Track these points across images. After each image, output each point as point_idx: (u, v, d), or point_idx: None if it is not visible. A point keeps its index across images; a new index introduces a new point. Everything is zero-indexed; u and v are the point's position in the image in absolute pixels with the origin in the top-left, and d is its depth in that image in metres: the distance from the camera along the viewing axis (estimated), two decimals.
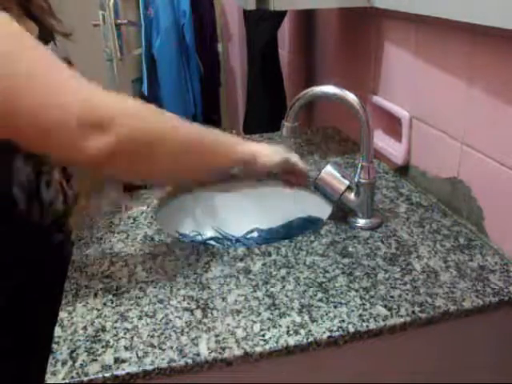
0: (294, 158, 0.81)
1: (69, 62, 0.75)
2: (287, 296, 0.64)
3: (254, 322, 0.60)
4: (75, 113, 0.52)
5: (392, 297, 0.64)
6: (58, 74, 0.54)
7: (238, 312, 0.62)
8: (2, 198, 0.66)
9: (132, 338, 0.58)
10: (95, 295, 0.66)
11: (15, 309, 0.68)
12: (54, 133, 0.53)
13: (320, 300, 0.63)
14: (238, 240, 0.93)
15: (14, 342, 0.67)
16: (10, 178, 0.66)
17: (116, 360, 0.55)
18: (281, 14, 1.49)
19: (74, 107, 0.52)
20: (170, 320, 0.61)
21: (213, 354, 0.55)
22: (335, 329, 0.58)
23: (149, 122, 0.59)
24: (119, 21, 2.19)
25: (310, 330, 0.58)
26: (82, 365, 0.54)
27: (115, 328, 0.60)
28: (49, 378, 0.53)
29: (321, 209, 0.91)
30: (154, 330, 0.59)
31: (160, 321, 0.61)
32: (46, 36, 0.73)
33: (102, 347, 0.57)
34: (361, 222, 0.81)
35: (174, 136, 0.62)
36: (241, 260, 0.73)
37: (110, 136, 0.53)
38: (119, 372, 0.53)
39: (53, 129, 0.52)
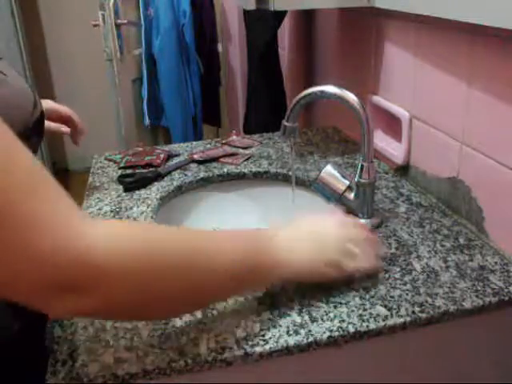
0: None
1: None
2: (287, 296, 0.64)
3: (254, 321, 0.60)
4: (43, 271, 0.39)
5: (392, 297, 0.64)
6: (26, 205, 0.39)
7: (238, 312, 0.62)
8: None
9: (132, 338, 0.58)
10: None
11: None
12: (17, 290, 0.41)
13: (320, 300, 0.63)
14: None
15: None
16: None
17: (116, 360, 0.55)
18: (281, 14, 1.49)
19: (42, 263, 0.39)
20: (170, 320, 0.61)
21: (213, 354, 0.55)
22: (335, 329, 0.58)
23: (143, 271, 0.45)
24: (119, 21, 2.19)
25: (309, 330, 0.58)
26: (81, 365, 0.54)
27: (115, 328, 0.60)
28: (49, 377, 0.53)
29: (321, 209, 0.91)
30: (154, 330, 0.59)
31: (160, 321, 0.61)
32: None
33: (102, 347, 0.57)
34: (361, 221, 0.81)
35: (178, 273, 0.48)
36: None
37: (87, 298, 0.42)
38: (119, 372, 0.53)
39: (16, 286, 0.41)
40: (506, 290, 0.64)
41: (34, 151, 0.57)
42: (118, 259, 0.43)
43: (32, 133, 0.57)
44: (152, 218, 0.86)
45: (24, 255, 0.39)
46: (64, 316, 0.47)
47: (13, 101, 0.51)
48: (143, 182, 0.99)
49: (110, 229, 0.45)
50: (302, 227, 0.63)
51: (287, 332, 0.58)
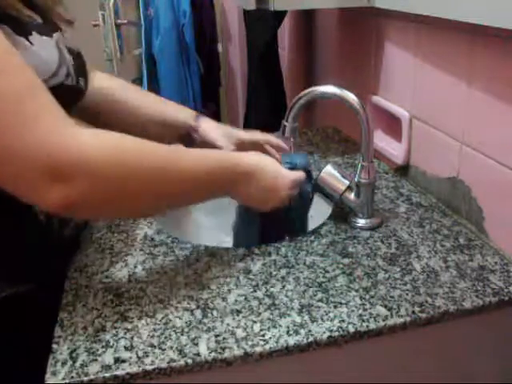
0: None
1: (78, 54, 0.73)
2: (287, 296, 0.64)
3: (254, 321, 0.60)
4: (38, 160, 0.48)
5: (392, 297, 0.64)
6: (24, 110, 0.49)
7: (238, 312, 0.62)
8: (19, 210, 0.63)
9: (132, 337, 0.58)
10: (95, 295, 0.66)
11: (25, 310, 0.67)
12: (11, 180, 0.50)
13: (320, 300, 0.63)
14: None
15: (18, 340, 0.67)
16: None
17: (116, 360, 0.55)
18: (281, 14, 1.49)
19: (36, 155, 0.48)
20: (170, 320, 0.61)
21: (213, 354, 0.55)
22: (335, 329, 0.58)
23: (119, 164, 0.54)
24: (119, 21, 2.19)
25: (309, 330, 0.58)
26: (82, 365, 0.54)
27: (115, 328, 0.60)
28: (49, 377, 0.53)
29: (321, 209, 0.91)
30: (154, 330, 0.59)
31: (160, 321, 0.61)
32: (52, 25, 0.70)
33: (102, 347, 0.57)
34: (361, 221, 0.81)
35: (150, 173, 0.57)
36: (241, 260, 0.73)
37: (70, 188, 0.50)
38: (119, 372, 0.53)
39: (10, 176, 0.50)
40: (505, 290, 0.64)
41: None
42: (102, 156, 0.52)
43: None
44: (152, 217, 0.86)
45: (22, 148, 0.48)
46: (53, 206, 0.51)
47: (28, 63, 0.55)
48: None
49: (96, 132, 0.53)
50: (265, 177, 0.72)
51: (287, 332, 0.58)
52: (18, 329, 0.66)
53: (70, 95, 0.68)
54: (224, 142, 0.87)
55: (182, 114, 0.90)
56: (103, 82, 0.87)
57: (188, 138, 0.88)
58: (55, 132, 0.50)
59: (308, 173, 0.82)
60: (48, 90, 0.57)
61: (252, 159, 0.71)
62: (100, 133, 0.55)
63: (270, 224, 0.82)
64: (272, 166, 0.73)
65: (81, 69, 0.73)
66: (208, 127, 0.88)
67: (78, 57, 0.73)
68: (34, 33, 0.61)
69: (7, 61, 0.51)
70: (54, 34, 0.67)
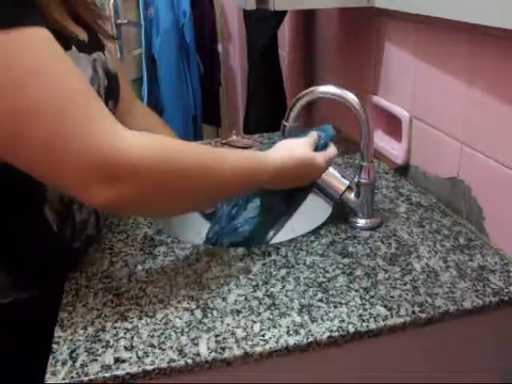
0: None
1: (115, 77, 0.74)
2: (287, 296, 0.64)
3: (254, 321, 0.60)
4: (91, 161, 0.50)
5: (392, 297, 0.64)
6: (80, 111, 0.52)
7: (238, 312, 0.62)
8: (32, 217, 0.64)
9: (132, 337, 0.58)
10: (95, 295, 0.66)
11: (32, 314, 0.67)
12: (63, 177, 0.52)
13: (320, 300, 0.63)
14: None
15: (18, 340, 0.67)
16: (41, 198, 0.64)
17: (116, 360, 0.55)
18: (281, 14, 1.49)
19: (90, 156, 0.50)
20: (170, 320, 0.61)
21: (213, 354, 0.55)
22: (335, 329, 0.58)
23: (169, 171, 0.56)
24: (119, 21, 2.19)
25: (309, 330, 0.58)
26: (82, 365, 0.54)
27: (115, 328, 0.60)
28: (49, 378, 0.53)
29: (321, 209, 0.91)
30: (154, 329, 0.59)
31: (160, 321, 0.61)
32: (95, 44, 0.71)
33: (102, 347, 0.57)
34: (361, 221, 0.81)
35: (198, 175, 0.60)
36: (241, 260, 0.73)
37: (118, 188, 0.52)
38: (119, 372, 0.53)
39: (63, 173, 0.52)
40: (505, 290, 0.64)
41: None
42: (150, 158, 0.54)
43: None
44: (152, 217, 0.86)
45: (76, 148, 0.50)
46: (101, 204, 0.53)
47: None
48: None
49: (144, 135, 0.56)
50: (294, 170, 0.73)
51: (287, 332, 0.58)
52: (21, 332, 0.66)
53: None
54: None
55: None
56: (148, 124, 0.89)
57: None
58: (108, 134, 0.52)
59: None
60: None
61: (284, 155, 0.71)
62: (147, 135, 0.56)
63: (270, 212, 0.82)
64: (305, 155, 0.73)
65: (113, 91, 0.74)
66: None
67: (113, 79, 0.74)
68: (73, 48, 0.62)
69: (67, 64, 0.53)
70: (94, 54, 0.68)
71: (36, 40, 0.50)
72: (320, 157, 0.75)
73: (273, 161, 0.69)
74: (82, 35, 0.68)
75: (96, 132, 0.51)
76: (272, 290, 0.66)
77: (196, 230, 0.95)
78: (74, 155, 0.50)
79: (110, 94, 0.72)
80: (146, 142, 0.55)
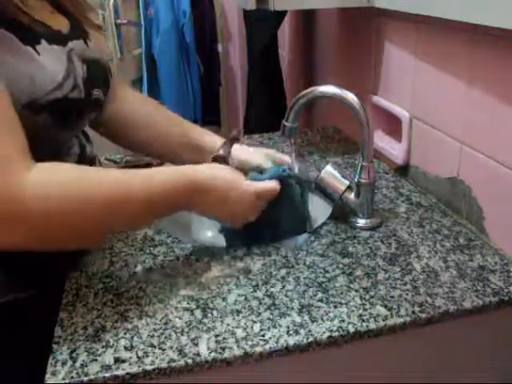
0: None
1: (100, 64, 0.73)
2: (287, 296, 0.64)
3: (254, 321, 0.60)
4: None
5: (392, 297, 0.64)
6: None
7: (238, 312, 0.62)
8: None
9: (132, 337, 0.58)
10: (95, 295, 0.66)
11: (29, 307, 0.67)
12: None
13: (320, 300, 0.63)
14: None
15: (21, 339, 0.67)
16: None
17: (116, 360, 0.55)
18: (281, 14, 1.49)
19: None
20: (170, 320, 0.61)
21: (213, 354, 0.55)
22: (335, 329, 0.58)
23: (60, 212, 0.54)
24: (119, 21, 2.19)
25: (309, 330, 0.58)
26: (82, 365, 0.54)
27: (115, 328, 0.60)
28: (49, 378, 0.53)
29: (321, 209, 0.91)
30: (154, 330, 0.59)
31: (160, 321, 0.61)
32: (76, 33, 0.70)
33: (102, 347, 0.57)
34: (361, 221, 0.81)
35: (95, 209, 0.57)
36: (241, 260, 0.73)
37: (9, 235, 0.52)
38: (119, 372, 0.53)
39: None
40: (505, 290, 0.64)
41: (47, 129, 0.64)
42: (41, 204, 0.52)
43: (43, 110, 0.61)
44: None
45: None
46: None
47: (28, 75, 0.56)
48: None
49: (40, 176, 0.54)
50: (227, 193, 0.69)
51: (287, 332, 0.58)
52: (19, 331, 0.66)
53: (76, 108, 0.68)
54: (256, 159, 0.86)
55: (207, 147, 0.88)
56: (136, 106, 0.88)
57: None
58: (3, 176, 0.51)
59: (289, 178, 0.78)
60: (51, 103, 0.57)
61: (207, 173, 0.68)
62: (49, 174, 0.55)
63: (261, 224, 0.80)
64: (230, 178, 0.70)
65: (97, 80, 0.72)
66: (237, 152, 0.87)
67: (97, 67, 0.72)
68: (42, 41, 0.61)
69: None
70: (71, 43, 0.67)
71: None
72: (251, 185, 0.71)
73: (193, 175, 0.66)
74: (61, 24, 0.67)
75: None
76: (272, 289, 0.66)
77: (196, 229, 0.95)
78: None
79: (93, 83, 0.70)
80: (41, 182, 0.54)
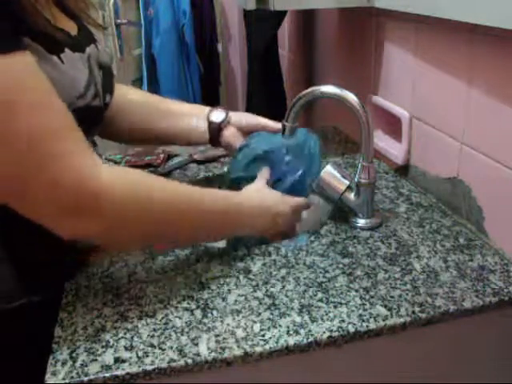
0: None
1: (109, 68, 0.73)
2: (287, 296, 0.64)
3: (254, 322, 0.60)
4: (61, 196, 0.51)
5: (392, 297, 0.64)
6: (56, 145, 0.52)
7: (238, 312, 0.62)
8: None
9: (132, 337, 0.58)
10: (95, 295, 0.66)
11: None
12: (32, 207, 0.53)
13: (320, 300, 0.63)
14: None
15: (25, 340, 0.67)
16: None
17: (116, 360, 0.55)
18: (281, 14, 1.49)
19: (59, 185, 0.51)
20: (170, 320, 0.61)
21: (213, 354, 0.55)
22: (335, 329, 0.58)
23: (133, 206, 0.57)
24: (119, 21, 2.19)
25: (309, 330, 0.58)
26: (82, 365, 0.54)
27: (115, 328, 0.60)
28: (49, 378, 0.53)
29: (321, 209, 0.91)
30: (154, 329, 0.59)
31: (160, 321, 0.61)
32: (87, 37, 0.70)
33: (102, 347, 0.57)
34: (361, 221, 0.81)
35: (167, 217, 0.61)
36: (241, 260, 0.73)
37: (86, 224, 0.54)
38: (119, 372, 0.53)
39: (32, 203, 0.52)
40: (505, 290, 0.64)
41: None
42: (119, 198, 0.55)
43: None
44: None
45: (47, 181, 0.51)
46: (68, 236, 0.55)
47: (55, 84, 0.55)
48: None
49: (115, 173, 0.57)
50: (265, 213, 0.74)
51: (287, 332, 0.58)
52: (30, 334, 0.66)
53: (96, 116, 0.68)
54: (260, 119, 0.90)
55: (199, 129, 0.90)
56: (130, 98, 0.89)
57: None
58: (79, 169, 0.52)
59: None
60: (73, 112, 0.57)
61: (254, 200, 0.73)
62: (123, 174, 0.58)
63: None
64: (272, 202, 0.75)
65: (109, 85, 0.73)
66: (228, 136, 0.89)
67: (108, 71, 0.73)
68: (66, 50, 0.61)
69: (47, 98, 0.52)
70: (88, 48, 0.67)
71: (20, 66, 0.50)
72: (287, 202, 0.76)
73: (248, 207, 0.71)
74: (73, 29, 0.67)
75: (69, 165, 0.52)
76: (272, 289, 0.66)
77: None
78: (42, 186, 0.51)
79: (107, 88, 0.71)
80: (120, 182, 0.56)
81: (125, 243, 0.66)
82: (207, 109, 0.90)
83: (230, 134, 0.89)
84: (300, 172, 0.82)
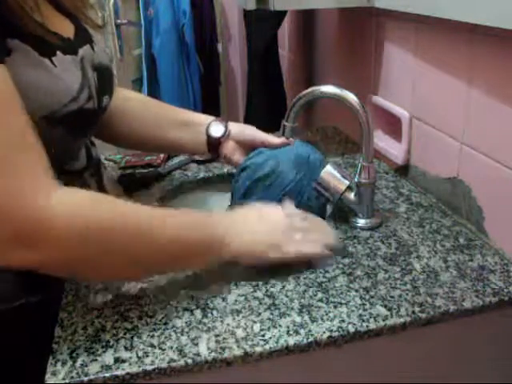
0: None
1: (107, 68, 0.72)
2: (287, 296, 0.64)
3: (254, 322, 0.60)
4: (6, 223, 0.48)
5: (392, 297, 0.64)
6: (4, 160, 0.48)
7: (238, 312, 0.62)
8: None
9: (132, 337, 0.58)
10: (95, 295, 0.66)
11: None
12: None
13: (320, 300, 0.63)
14: None
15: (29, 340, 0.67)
16: None
17: (116, 360, 0.55)
18: (281, 14, 1.49)
19: (6, 217, 0.48)
20: (170, 320, 0.61)
21: (213, 354, 0.55)
22: (335, 329, 0.58)
23: (83, 239, 0.52)
24: (119, 21, 2.19)
25: (309, 330, 0.58)
26: (82, 365, 0.54)
27: (115, 328, 0.60)
28: (49, 378, 0.53)
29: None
30: (154, 330, 0.59)
31: (160, 321, 0.61)
32: (82, 37, 0.68)
33: (102, 347, 0.57)
34: (361, 221, 0.81)
35: (123, 242, 0.55)
36: None
37: (32, 254, 0.50)
38: (119, 372, 0.53)
39: None
40: (505, 290, 0.64)
41: (62, 140, 0.63)
42: (66, 228, 0.51)
43: (60, 122, 0.60)
44: None
45: (9, 203, 0.48)
46: (18, 267, 0.52)
47: (47, 87, 0.54)
48: (143, 182, 0.99)
49: (67, 200, 0.52)
50: (249, 212, 0.67)
51: (287, 332, 0.58)
52: (28, 334, 0.66)
53: (90, 119, 0.67)
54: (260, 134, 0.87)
55: (199, 142, 0.88)
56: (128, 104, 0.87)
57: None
58: (26, 192, 0.49)
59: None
60: (66, 115, 0.56)
61: (225, 221, 0.65)
62: (76, 198, 0.53)
63: None
64: (255, 210, 0.68)
65: (106, 86, 0.71)
66: (227, 150, 0.87)
67: (106, 72, 0.71)
68: (58, 53, 0.60)
69: (6, 107, 0.50)
70: (81, 50, 0.66)
71: None
72: (273, 212, 0.68)
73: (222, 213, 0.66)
74: (67, 30, 0.66)
75: (15, 188, 0.49)
76: (272, 289, 0.66)
77: None
78: None
79: (104, 90, 0.70)
80: (68, 206, 0.52)
81: (96, 275, 0.60)
82: (207, 120, 0.88)
83: (229, 148, 0.87)
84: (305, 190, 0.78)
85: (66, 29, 0.66)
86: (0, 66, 0.50)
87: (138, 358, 0.55)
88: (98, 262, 0.55)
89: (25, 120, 0.51)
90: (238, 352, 0.55)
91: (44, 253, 0.50)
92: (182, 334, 0.58)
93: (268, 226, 0.66)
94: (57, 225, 0.50)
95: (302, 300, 0.64)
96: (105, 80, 0.71)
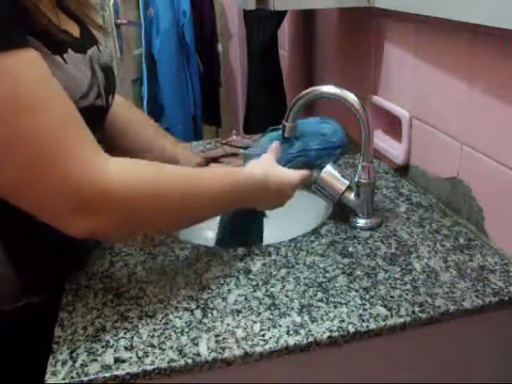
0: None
1: (110, 69, 0.73)
2: (287, 296, 0.64)
3: (254, 322, 0.60)
4: (67, 192, 0.51)
5: (392, 297, 0.64)
6: (61, 141, 0.51)
7: (238, 312, 0.62)
8: None
9: (132, 337, 0.58)
10: (95, 295, 0.66)
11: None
12: (40, 207, 0.52)
13: (320, 300, 0.63)
14: None
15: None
16: None
17: (116, 360, 0.55)
18: (281, 14, 1.49)
19: (66, 187, 0.50)
20: (170, 320, 0.61)
21: (213, 354, 0.55)
22: (335, 329, 0.58)
23: (147, 203, 0.56)
24: (119, 21, 2.19)
25: (309, 330, 0.58)
26: (82, 365, 0.54)
27: (115, 328, 0.60)
28: (49, 378, 0.53)
29: (321, 209, 0.91)
30: (154, 329, 0.59)
31: (160, 321, 0.61)
32: (88, 39, 0.69)
33: (102, 347, 0.57)
34: (361, 221, 0.81)
35: (175, 199, 0.60)
36: (241, 260, 0.73)
37: (94, 220, 0.52)
38: (119, 372, 0.53)
39: (40, 203, 0.52)
40: (505, 290, 0.64)
41: None
42: (127, 192, 0.54)
43: None
44: None
45: (55, 181, 0.50)
46: (78, 234, 0.54)
47: (61, 83, 0.54)
48: None
49: (123, 166, 0.55)
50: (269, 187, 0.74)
51: (287, 332, 0.58)
52: (30, 335, 0.66)
53: (101, 116, 0.68)
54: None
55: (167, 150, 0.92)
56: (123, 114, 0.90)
57: None
58: (86, 167, 0.52)
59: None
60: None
61: (259, 173, 0.72)
62: (128, 165, 0.57)
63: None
64: (276, 175, 0.74)
65: (111, 85, 0.72)
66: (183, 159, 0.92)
67: (110, 73, 0.72)
68: (69, 50, 0.61)
69: (50, 91, 0.52)
70: (89, 50, 0.66)
71: (20, 65, 0.49)
72: (291, 176, 0.76)
73: (252, 179, 0.71)
74: (75, 31, 0.66)
75: (75, 164, 0.51)
76: (272, 289, 0.66)
77: (197, 229, 0.95)
78: (49, 186, 0.50)
79: (109, 89, 0.71)
80: (125, 174, 0.55)
81: (140, 233, 0.70)
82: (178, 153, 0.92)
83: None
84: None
85: (74, 31, 0.67)
86: (30, 50, 0.51)
87: (138, 358, 0.55)
88: (157, 218, 0.59)
89: (67, 98, 0.53)
90: (237, 352, 0.56)
91: (110, 217, 0.53)
92: (182, 334, 0.58)
93: (280, 200, 0.77)
94: (119, 191, 0.53)
95: (302, 300, 0.64)
96: (110, 80, 0.72)
